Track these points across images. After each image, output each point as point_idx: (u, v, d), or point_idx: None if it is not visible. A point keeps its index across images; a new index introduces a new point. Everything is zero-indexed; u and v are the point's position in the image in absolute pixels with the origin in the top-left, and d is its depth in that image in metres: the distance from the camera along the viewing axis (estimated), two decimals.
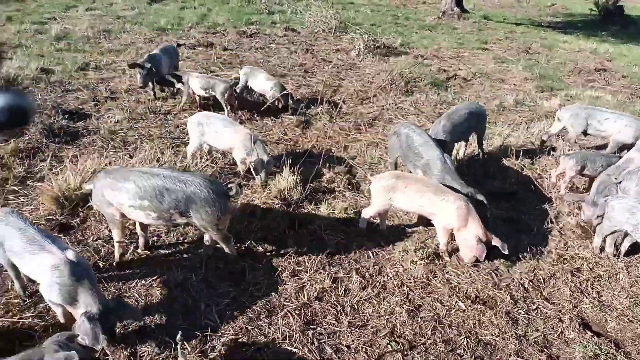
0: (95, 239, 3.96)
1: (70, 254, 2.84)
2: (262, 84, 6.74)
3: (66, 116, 5.88)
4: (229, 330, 3.22)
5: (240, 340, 3.15)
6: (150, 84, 6.54)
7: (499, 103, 7.86)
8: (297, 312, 3.41)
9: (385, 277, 3.84)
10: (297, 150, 5.77)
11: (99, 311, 2.72)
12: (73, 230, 4.05)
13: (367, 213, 4.24)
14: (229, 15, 12.18)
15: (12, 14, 10.47)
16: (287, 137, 6.17)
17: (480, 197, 4.19)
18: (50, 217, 4.11)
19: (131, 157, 5.18)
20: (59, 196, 4.18)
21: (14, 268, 3.09)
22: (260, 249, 4.04)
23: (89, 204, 4.17)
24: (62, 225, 4.06)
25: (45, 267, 2.78)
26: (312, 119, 6.68)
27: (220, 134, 4.92)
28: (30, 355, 2.45)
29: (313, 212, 4.58)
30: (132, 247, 3.88)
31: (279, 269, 3.83)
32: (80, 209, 4.22)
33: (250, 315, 3.36)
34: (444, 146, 4.78)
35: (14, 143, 5.09)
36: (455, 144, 5.41)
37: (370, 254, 4.10)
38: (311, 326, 3.31)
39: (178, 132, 5.91)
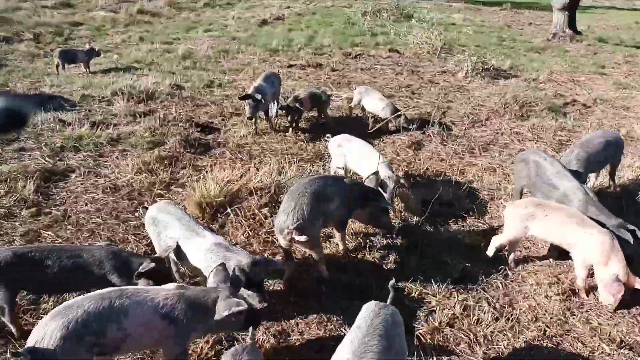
0: (233, 243, 4.25)
1: (220, 239, 3.33)
2: (376, 104, 6.88)
3: (198, 129, 6.43)
4: None
5: None
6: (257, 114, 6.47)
7: (626, 132, 7.30)
8: (429, 335, 3.39)
9: (518, 310, 3.70)
10: (410, 172, 5.78)
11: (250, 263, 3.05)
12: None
13: (498, 240, 4.13)
14: (334, 37, 12.60)
15: (143, 35, 11.70)
16: (399, 157, 6.21)
17: (630, 228, 3.89)
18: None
19: (257, 169, 5.52)
20: (202, 202, 4.57)
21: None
22: (383, 267, 4.09)
23: (226, 212, 4.52)
24: None
25: (200, 250, 3.20)
26: (424, 141, 6.67)
27: (356, 157, 5.00)
28: (206, 293, 2.74)
29: (434, 234, 4.56)
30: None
31: (405, 289, 3.85)
32: (219, 215, 4.57)
33: None
34: (578, 177, 4.53)
35: (157, 151, 5.66)
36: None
37: (499, 284, 3.97)
38: (444, 352, 3.27)
39: (296, 149, 6.20)
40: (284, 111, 6.65)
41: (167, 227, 3.41)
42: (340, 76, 9.41)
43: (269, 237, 4.37)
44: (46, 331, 2.39)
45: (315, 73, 9.49)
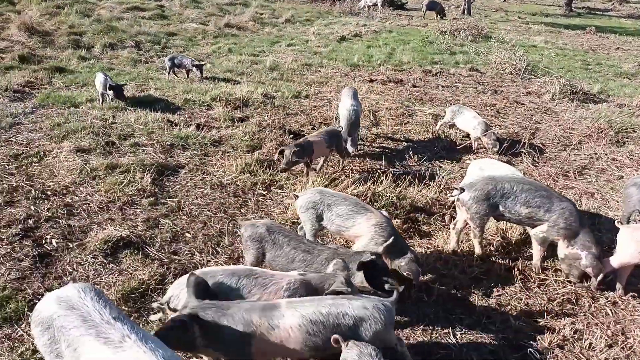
0: (329, 241, 4.40)
1: (386, 213, 3.88)
2: (469, 121, 6.86)
3: (291, 136, 6.71)
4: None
5: None
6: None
7: None
8: (539, 355, 3.34)
9: (632, 339, 3.55)
10: None
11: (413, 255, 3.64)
12: None
13: (611, 263, 4.00)
14: (412, 54, 12.69)
15: (231, 46, 12.36)
16: None
17: None
18: (295, 220, 4.69)
19: (347, 176, 5.68)
20: None
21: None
22: (484, 283, 4.08)
23: None
24: None
25: (368, 225, 3.64)
26: (514, 161, 6.56)
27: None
28: (324, 279, 2.98)
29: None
30: None
31: (508, 307, 3.81)
32: None
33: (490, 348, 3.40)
34: None
35: (257, 154, 5.97)
36: None
37: (609, 311, 3.84)
38: None
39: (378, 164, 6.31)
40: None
41: (331, 205, 3.83)
42: (422, 92, 9.46)
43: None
44: (181, 289, 2.70)
45: (397, 89, 9.60)
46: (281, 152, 5.26)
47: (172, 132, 6.42)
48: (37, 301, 3.39)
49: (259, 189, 5.27)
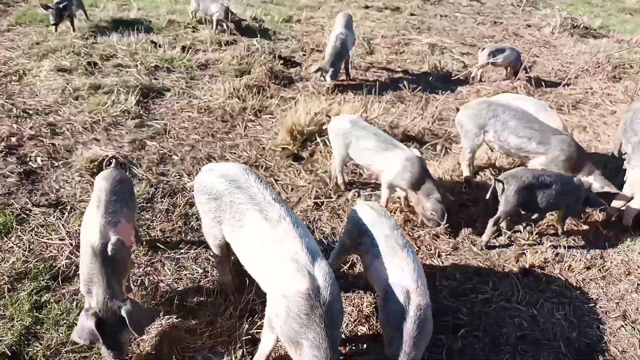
0: (323, 171, 4.38)
1: (417, 152, 3.72)
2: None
3: (281, 62, 6.47)
4: None
5: None
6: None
7: None
8: (520, 274, 3.45)
9: (609, 262, 3.68)
10: None
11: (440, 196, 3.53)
12: (303, 160, 4.53)
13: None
14: None
15: None
16: None
17: None
18: (285, 146, 4.63)
19: (339, 104, 5.55)
20: (293, 129, 4.68)
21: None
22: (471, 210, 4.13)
23: (315, 141, 4.63)
24: (295, 155, 4.56)
25: (398, 159, 3.56)
26: (511, 91, 6.45)
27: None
28: None
29: None
30: None
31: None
32: (309, 144, 4.68)
33: None
34: None
35: (245, 79, 5.77)
36: None
37: (590, 237, 3.94)
38: (536, 292, 3.33)
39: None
40: None
41: (360, 138, 3.75)
42: (420, 21, 9.10)
43: (355, 170, 4.47)
44: None
45: (393, 16, 9.21)
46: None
47: (156, 54, 6.15)
48: (24, 215, 3.39)
49: (248, 114, 5.14)
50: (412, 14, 9.43)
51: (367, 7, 9.57)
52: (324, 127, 4.52)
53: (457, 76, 6.68)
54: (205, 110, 5.13)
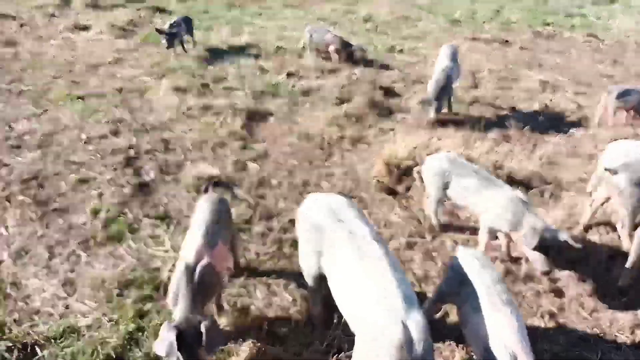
0: (418, 208, 4.23)
1: (520, 193, 3.44)
2: None
3: (382, 92, 6.46)
4: None
5: None
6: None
7: None
8: None
9: None
10: None
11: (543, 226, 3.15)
12: (398, 195, 4.42)
13: None
14: (523, 13, 11.56)
15: None
16: None
17: None
18: (380, 178, 4.56)
19: (439, 139, 5.38)
20: (389, 162, 4.61)
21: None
22: None
23: (412, 175, 4.50)
24: (390, 189, 4.47)
25: (500, 198, 3.33)
26: (633, 138, 5.82)
27: None
28: None
29: None
30: None
31: None
32: (405, 178, 4.57)
33: None
34: None
35: (345, 108, 5.83)
36: None
37: None
38: None
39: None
40: None
41: (460, 176, 3.61)
42: (530, 56, 8.63)
43: (452, 210, 4.26)
44: None
45: (502, 49, 8.84)
46: None
47: (263, 79, 6.45)
48: (136, 225, 3.65)
49: (346, 143, 5.16)
50: (522, 48, 8.99)
51: (474, 38, 9.29)
52: (415, 168, 4.37)
53: (570, 117, 6.18)
54: (304, 137, 5.24)
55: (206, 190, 3.11)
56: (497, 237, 3.71)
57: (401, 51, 8.25)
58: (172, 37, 6.58)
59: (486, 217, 3.49)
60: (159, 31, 6.57)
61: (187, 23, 6.90)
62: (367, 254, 2.36)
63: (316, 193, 2.98)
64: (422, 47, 8.54)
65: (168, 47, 6.60)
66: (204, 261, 2.52)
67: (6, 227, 3.59)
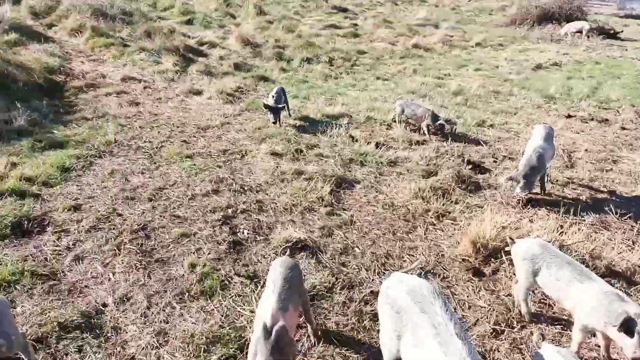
0: (506, 293, 4.07)
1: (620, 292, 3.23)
2: None
3: (470, 167, 6.43)
4: None
5: None
6: None
7: None
8: None
9: None
10: None
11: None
12: (484, 277, 4.29)
13: None
14: (623, 91, 11.05)
15: (416, 68, 12.43)
16: None
17: None
18: (466, 257, 4.48)
19: (531, 221, 5.19)
20: (476, 241, 4.52)
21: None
22: None
23: (501, 258, 4.36)
24: (476, 270, 4.36)
25: (594, 293, 3.17)
26: None
27: None
28: None
29: None
30: None
31: None
32: (493, 260, 4.45)
33: None
34: None
35: (431, 181, 5.87)
36: None
37: None
38: None
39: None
40: None
41: (552, 266, 3.48)
42: (633, 137, 8.15)
43: (544, 299, 4.04)
44: None
45: (600, 128, 8.46)
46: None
47: (352, 148, 6.73)
48: (227, 282, 3.91)
49: (430, 217, 5.17)
50: (623, 128, 8.52)
51: (569, 116, 9.01)
52: (507, 248, 4.25)
53: None
54: (389, 207, 5.34)
55: (284, 253, 3.29)
56: (594, 335, 3.44)
57: (492, 126, 8.21)
58: (278, 113, 7.13)
59: (579, 314, 3.28)
60: (267, 106, 7.14)
61: (283, 93, 7.50)
62: (449, 351, 2.34)
63: (401, 272, 3.01)
64: (514, 122, 8.44)
65: (274, 123, 7.10)
66: (280, 323, 2.65)
67: (114, 273, 4.01)
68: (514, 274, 4.23)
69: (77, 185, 5.26)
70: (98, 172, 5.58)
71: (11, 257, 4.05)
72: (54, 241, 4.33)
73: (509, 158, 6.84)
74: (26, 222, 4.50)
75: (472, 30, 19.31)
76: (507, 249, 4.19)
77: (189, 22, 14.39)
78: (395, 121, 7.79)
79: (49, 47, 9.90)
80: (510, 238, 3.99)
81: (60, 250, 4.22)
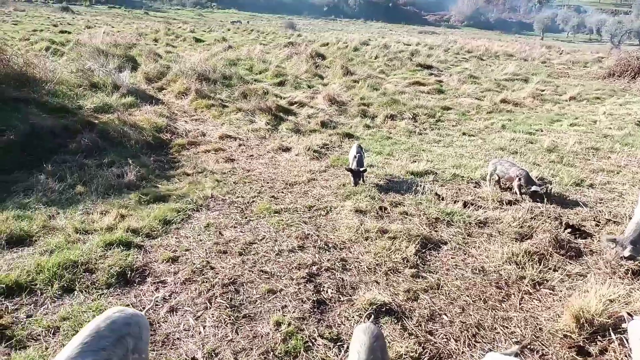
0: None
1: None
2: None
3: (569, 230, 5.97)
4: None
5: None
6: None
7: None
8: None
9: None
10: None
11: None
12: (590, 357, 3.86)
13: None
14: None
15: (505, 123, 12.06)
16: None
17: None
18: (567, 333, 4.08)
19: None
20: (580, 316, 4.12)
21: None
22: None
23: (609, 337, 3.91)
24: (580, 348, 3.94)
25: None
26: None
27: None
28: None
29: None
30: None
31: None
32: (599, 338, 4.00)
33: None
34: None
35: (526, 244, 5.51)
36: None
37: None
38: None
39: None
40: None
41: None
42: None
43: None
44: None
45: None
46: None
47: (438, 206, 6.58)
48: (310, 344, 3.89)
49: (526, 285, 4.82)
50: None
51: None
52: (623, 325, 3.81)
53: None
54: (479, 271, 5.08)
55: (368, 318, 3.22)
56: None
57: (592, 186, 7.63)
58: (359, 176, 7.24)
59: None
60: (350, 170, 7.27)
61: (360, 150, 7.59)
62: None
63: (496, 354, 2.81)
64: (617, 182, 7.78)
65: (355, 185, 7.21)
66: None
67: (204, 327, 4.18)
68: (628, 356, 3.78)
69: (175, 238, 5.67)
70: (195, 225, 5.98)
71: (113, 306, 4.40)
72: (152, 292, 4.64)
73: (613, 222, 6.26)
74: (129, 272, 4.89)
75: (566, 83, 18.50)
76: (623, 325, 3.76)
77: (281, 83, 15.38)
78: (485, 179, 7.53)
79: (158, 109, 11.09)
80: (629, 314, 3.59)
81: (157, 301, 4.51)
